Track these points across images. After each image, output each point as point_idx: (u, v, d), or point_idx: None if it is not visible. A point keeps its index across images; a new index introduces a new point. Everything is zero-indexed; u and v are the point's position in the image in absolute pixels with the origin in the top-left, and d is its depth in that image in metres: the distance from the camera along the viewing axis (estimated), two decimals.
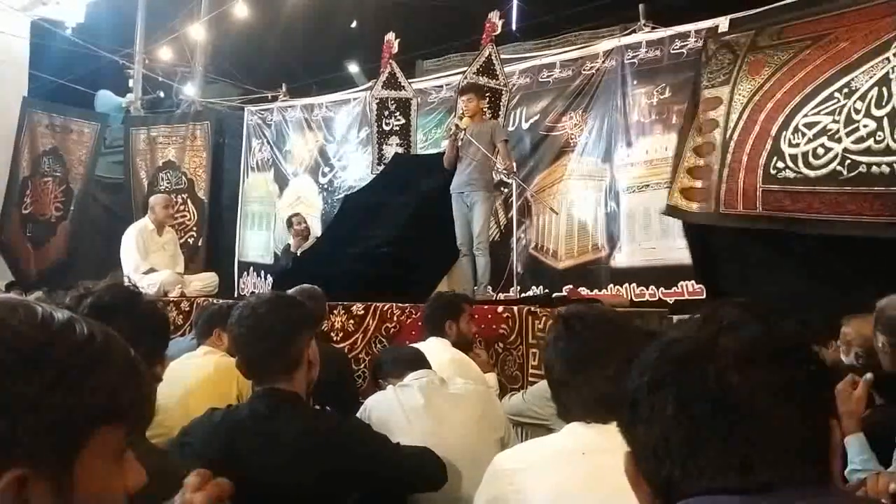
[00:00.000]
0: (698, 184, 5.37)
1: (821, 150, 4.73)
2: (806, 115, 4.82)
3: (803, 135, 4.81)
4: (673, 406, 0.71)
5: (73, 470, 0.68)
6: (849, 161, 4.62)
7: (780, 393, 0.70)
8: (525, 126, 6.94)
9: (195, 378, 2.68)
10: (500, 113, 6.20)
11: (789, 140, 4.85)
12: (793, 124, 4.86)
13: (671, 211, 5.49)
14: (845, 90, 4.70)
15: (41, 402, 0.66)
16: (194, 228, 8.96)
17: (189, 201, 9.04)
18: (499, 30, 6.40)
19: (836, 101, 4.73)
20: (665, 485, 0.72)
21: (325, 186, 8.43)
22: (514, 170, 5.62)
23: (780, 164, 4.88)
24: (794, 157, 4.83)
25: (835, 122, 4.72)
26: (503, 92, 6.29)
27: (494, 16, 6.38)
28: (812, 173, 4.76)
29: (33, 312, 0.71)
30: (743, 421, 0.69)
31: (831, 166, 4.70)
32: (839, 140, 4.68)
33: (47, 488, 0.66)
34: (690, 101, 5.61)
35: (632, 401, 0.76)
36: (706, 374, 0.71)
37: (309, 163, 8.63)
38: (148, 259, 6.05)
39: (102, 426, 0.70)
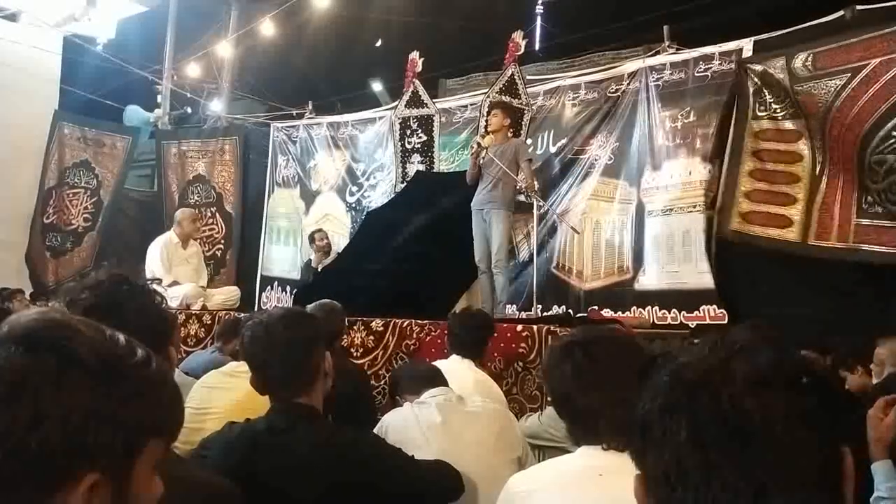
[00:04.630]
0: (762, 208, 5.43)
1: None
2: (874, 154, 4.93)
3: (877, 172, 4.94)
4: (685, 431, 0.70)
5: (130, 477, 0.73)
6: None
7: (794, 419, 0.69)
8: (553, 149, 6.95)
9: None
10: (522, 132, 6.21)
11: (870, 177, 4.97)
12: (866, 162, 4.99)
13: (735, 236, 5.55)
14: None
15: (119, 413, 0.71)
16: (222, 241, 9.08)
17: (218, 214, 9.18)
18: (522, 49, 6.42)
19: (895, 139, 4.84)
20: None
21: (353, 205, 8.47)
22: (536, 189, 5.62)
23: (871, 199, 5.02)
24: (878, 193, 4.95)
25: None
26: (525, 111, 6.31)
27: (518, 35, 6.40)
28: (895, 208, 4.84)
29: (102, 329, 0.77)
30: (757, 447, 0.68)
31: None
32: None
33: (109, 492, 0.71)
34: (735, 131, 5.66)
35: (642, 425, 0.75)
36: (720, 399, 0.70)
37: (336, 181, 8.68)
38: (171, 272, 6.10)
39: (153, 438, 0.76)
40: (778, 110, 5.50)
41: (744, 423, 0.68)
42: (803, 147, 5.38)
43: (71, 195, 9.24)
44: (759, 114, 5.56)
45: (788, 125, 5.47)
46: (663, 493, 0.72)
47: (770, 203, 5.46)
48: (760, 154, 5.56)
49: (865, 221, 5.03)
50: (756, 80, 5.59)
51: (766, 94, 5.53)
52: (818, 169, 5.28)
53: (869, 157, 4.97)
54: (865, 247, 5.00)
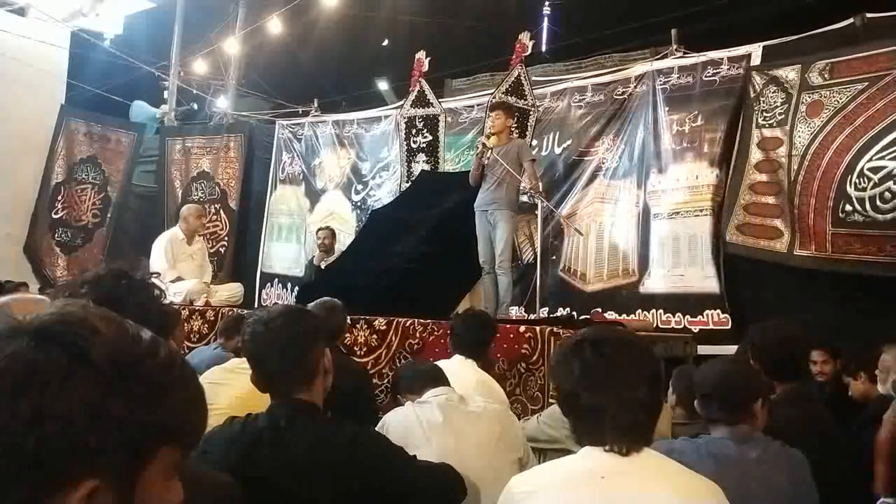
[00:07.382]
0: (755, 220, 5.44)
1: (888, 195, 4.83)
2: (870, 160, 4.90)
3: (868, 179, 4.93)
4: None
5: (137, 485, 0.70)
6: None
7: None
8: (557, 150, 6.94)
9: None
10: (528, 133, 6.20)
11: (855, 184, 4.97)
12: (857, 168, 4.96)
13: (733, 248, 5.55)
14: None
15: (126, 417, 0.68)
16: (226, 238, 9.09)
17: (222, 211, 9.19)
18: (529, 51, 6.41)
19: None
20: None
21: (358, 204, 8.44)
22: (540, 189, 5.60)
23: (849, 208, 5.02)
24: (861, 201, 4.94)
25: None
26: (531, 112, 6.30)
27: (525, 37, 6.39)
28: (881, 217, 4.83)
29: (125, 327, 0.73)
30: None
31: None
32: None
33: (112, 500, 0.68)
34: (741, 138, 5.65)
35: None
36: None
37: (341, 179, 8.67)
38: (176, 268, 6.11)
39: (167, 445, 0.73)
40: (770, 117, 5.51)
41: None
42: (782, 155, 5.39)
43: (79, 191, 9.27)
44: (760, 122, 5.58)
45: (773, 133, 5.48)
46: None
47: (762, 215, 5.50)
48: (759, 165, 5.58)
49: (843, 230, 5.01)
50: (758, 86, 5.58)
51: (763, 101, 5.54)
52: (793, 176, 5.29)
53: (865, 162, 4.95)
54: (851, 257, 4.98)
